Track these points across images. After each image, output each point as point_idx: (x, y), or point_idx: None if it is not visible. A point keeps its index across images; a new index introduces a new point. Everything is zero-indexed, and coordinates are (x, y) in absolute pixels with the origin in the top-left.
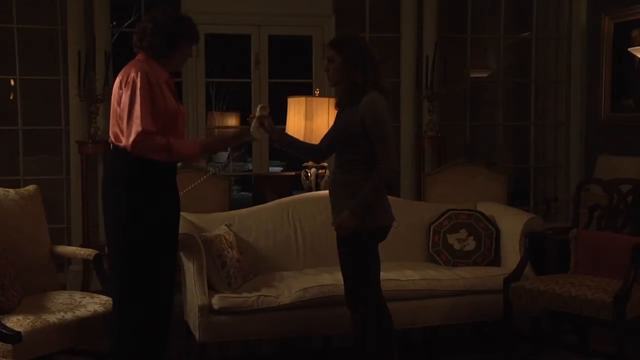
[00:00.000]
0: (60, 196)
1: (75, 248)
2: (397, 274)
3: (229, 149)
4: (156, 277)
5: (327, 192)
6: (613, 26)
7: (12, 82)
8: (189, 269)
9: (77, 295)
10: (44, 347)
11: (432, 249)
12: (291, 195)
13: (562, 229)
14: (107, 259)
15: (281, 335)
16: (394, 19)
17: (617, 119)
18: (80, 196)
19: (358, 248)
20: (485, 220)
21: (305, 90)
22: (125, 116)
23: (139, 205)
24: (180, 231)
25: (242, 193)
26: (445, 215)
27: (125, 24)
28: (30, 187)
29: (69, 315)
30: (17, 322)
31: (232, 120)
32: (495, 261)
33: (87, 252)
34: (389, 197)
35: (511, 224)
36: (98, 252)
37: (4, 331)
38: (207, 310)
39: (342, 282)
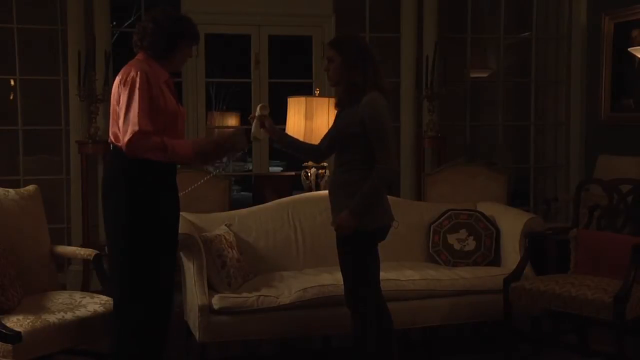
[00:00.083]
0: (60, 196)
1: (75, 248)
2: (397, 274)
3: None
4: (156, 277)
5: (327, 192)
6: (613, 26)
7: (12, 82)
8: (189, 269)
9: (77, 295)
10: (44, 347)
11: (432, 249)
12: (291, 195)
13: (562, 229)
14: (107, 259)
15: (281, 335)
16: (394, 19)
17: (617, 119)
18: (80, 196)
19: (358, 248)
20: (485, 220)
21: (305, 90)
22: (122, 115)
23: (139, 205)
24: (180, 231)
25: (242, 193)
26: (445, 215)
27: (125, 24)
28: (30, 187)
29: (69, 315)
30: (17, 322)
31: (232, 120)
32: (495, 261)
33: (87, 252)
34: (388, 197)
35: (511, 224)
36: (98, 252)
37: (4, 331)
38: (207, 310)
39: (342, 282)
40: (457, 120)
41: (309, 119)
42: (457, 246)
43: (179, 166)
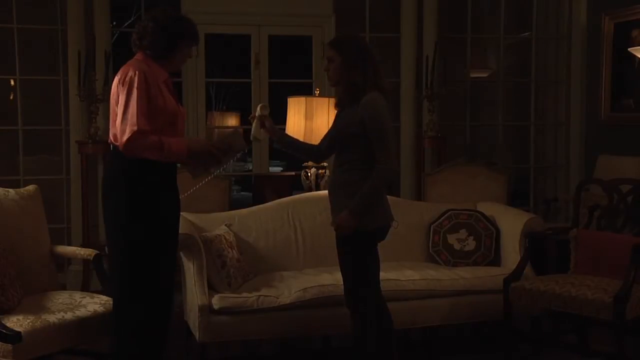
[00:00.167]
0: (60, 196)
1: (75, 248)
2: (397, 274)
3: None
4: (156, 277)
5: (327, 192)
6: (613, 26)
7: (12, 82)
8: (189, 269)
9: (77, 295)
10: (44, 347)
11: (432, 249)
12: (291, 195)
13: (562, 229)
14: (107, 259)
15: (281, 335)
16: (394, 19)
17: (617, 119)
18: (80, 196)
19: (357, 248)
20: (485, 220)
21: (305, 90)
22: (120, 114)
23: (139, 205)
24: (180, 231)
25: (242, 193)
26: (445, 215)
27: (125, 24)
28: (30, 187)
29: (69, 315)
30: (17, 322)
31: (232, 120)
32: (495, 261)
33: (87, 252)
34: (388, 197)
35: (511, 224)
36: (98, 252)
37: (4, 331)
38: (207, 310)
39: (342, 282)
40: (457, 120)
41: (309, 119)
42: (457, 246)
43: (179, 165)
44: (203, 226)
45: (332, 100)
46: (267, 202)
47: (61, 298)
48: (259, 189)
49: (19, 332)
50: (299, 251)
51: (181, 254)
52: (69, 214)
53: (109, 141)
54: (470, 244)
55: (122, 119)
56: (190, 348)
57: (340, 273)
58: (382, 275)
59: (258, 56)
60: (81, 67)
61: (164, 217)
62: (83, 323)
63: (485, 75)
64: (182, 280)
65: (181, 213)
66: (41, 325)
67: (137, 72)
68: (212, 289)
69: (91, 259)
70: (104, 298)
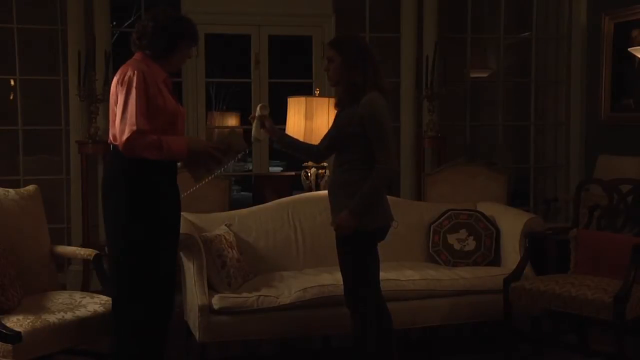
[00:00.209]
0: (60, 196)
1: (75, 248)
2: (397, 274)
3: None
4: (156, 277)
5: (327, 192)
6: (613, 26)
7: (12, 82)
8: (189, 269)
9: (77, 295)
10: (44, 347)
11: (432, 249)
12: (291, 195)
13: (562, 229)
14: (107, 259)
15: (281, 335)
16: (394, 19)
17: (617, 119)
18: (80, 196)
19: (357, 248)
20: (485, 220)
21: (305, 90)
22: (119, 114)
23: (139, 205)
24: (180, 231)
25: (242, 193)
26: (445, 215)
27: (125, 24)
28: (30, 187)
29: (69, 315)
30: (17, 322)
31: (232, 121)
32: (495, 261)
33: (87, 252)
34: (388, 197)
35: (511, 224)
36: (98, 252)
37: (4, 331)
38: (207, 310)
39: (342, 282)
40: (457, 120)
41: (309, 119)
42: (457, 246)
43: (179, 165)
44: (203, 226)
45: (332, 100)
46: (267, 202)
47: (61, 298)
48: (259, 189)
49: (19, 332)
50: (299, 251)
51: (181, 254)
52: (69, 214)
53: (108, 141)
54: (470, 244)
55: (121, 118)
56: (190, 348)
57: (340, 273)
58: (382, 275)
59: (258, 56)
60: (81, 67)
61: (164, 217)
62: (83, 323)
63: (485, 75)
64: (182, 280)
65: (181, 213)
66: (41, 325)
67: (135, 72)
68: (212, 289)
69: (91, 259)
70: (104, 298)
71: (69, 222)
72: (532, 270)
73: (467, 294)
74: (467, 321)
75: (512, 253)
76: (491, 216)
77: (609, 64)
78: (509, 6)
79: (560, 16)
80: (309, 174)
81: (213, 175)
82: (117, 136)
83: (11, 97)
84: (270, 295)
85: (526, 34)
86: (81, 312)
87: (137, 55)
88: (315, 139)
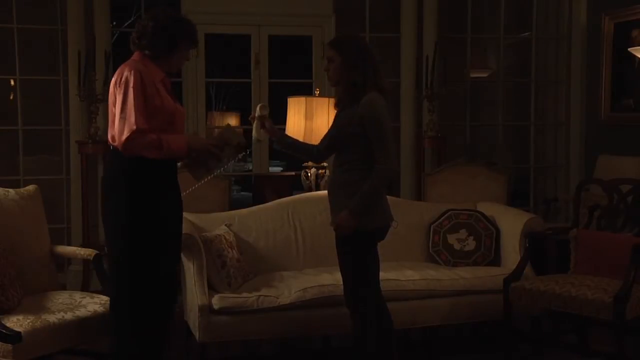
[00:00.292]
0: (60, 196)
1: (75, 248)
2: (397, 274)
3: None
4: (156, 278)
5: (327, 192)
6: (613, 26)
7: (12, 82)
8: (189, 269)
9: (77, 295)
10: (44, 347)
11: (432, 249)
12: (291, 195)
13: (562, 229)
14: (107, 259)
15: (281, 335)
16: (394, 19)
17: (617, 119)
18: (80, 196)
19: (357, 248)
20: (485, 220)
21: (305, 90)
22: (118, 114)
23: (139, 205)
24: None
25: (242, 193)
26: (445, 215)
27: (125, 24)
28: (30, 187)
29: (69, 315)
30: (17, 322)
31: (232, 120)
32: (495, 261)
33: (87, 252)
34: (388, 197)
35: (511, 224)
36: (98, 252)
37: (4, 331)
38: (207, 310)
39: (342, 282)
40: (457, 120)
41: (309, 119)
42: (457, 246)
43: (179, 164)
44: (203, 226)
45: (332, 100)
46: (267, 202)
47: (61, 298)
48: (259, 189)
49: (19, 332)
50: (299, 251)
51: (181, 254)
52: (69, 214)
53: (108, 142)
54: (470, 244)
55: (119, 118)
56: (190, 348)
57: (340, 273)
58: (382, 275)
59: (258, 56)
60: (81, 67)
61: (164, 217)
62: (83, 323)
63: (485, 75)
64: (182, 280)
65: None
66: (41, 325)
67: (132, 72)
68: (212, 289)
69: (91, 259)
70: (104, 298)
71: (69, 222)
72: (532, 270)
73: (467, 294)
74: (467, 321)
75: (512, 253)
76: (491, 216)
77: (609, 64)
78: (509, 6)
79: (560, 16)
80: (309, 174)
81: (214, 174)
82: (116, 136)
83: (11, 97)
84: (270, 295)
85: (526, 34)
86: (81, 312)
87: (135, 56)
88: (315, 139)
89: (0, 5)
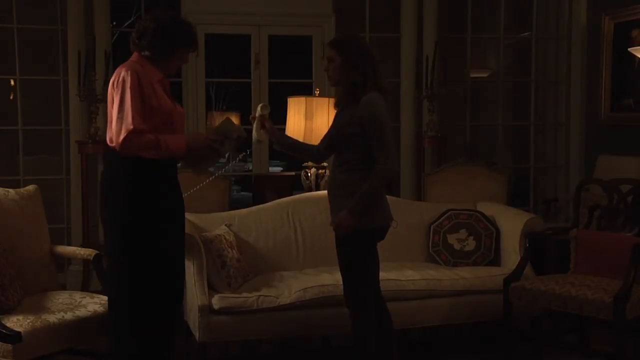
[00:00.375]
0: (60, 196)
1: (75, 248)
2: (397, 274)
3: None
4: (156, 278)
5: (326, 192)
6: (613, 26)
7: (12, 82)
8: (189, 269)
9: (77, 295)
10: (44, 347)
11: (432, 249)
12: (291, 195)
13: (562, 229)
14: (107, 259)
15: (281, 335)
16: (394, 19)
17: (617, 119)
18: (80, 196)
19: (357, 248)
20: (485, 220)
21: (305, 90)
22: (115, 114)
23: (138, 205)
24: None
25: (242, 193)
26: (445, 215)
27: (125, 24)
28: (30, 187)
29: (68, 315)
30: (17, 322)
31: (232, 120)
32: (495, 261)
33: (87, 252)
34: (388, 197)
35: (511, 224)
36: (98, 252)
37: (4, 331)
38: (207, 310)
39: (342, 282)
40: (457, 120)
41: (309, 119)
42: (457, 246)
43: (179, 165)
44: (203, 226)
45: (332, 100)
46: (267, 202)
47: (61, 298)
48: (259, 189)
49: (19, 332)
50: (299, 251)
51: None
52: (69, 214)
53: (107, 143)
54: (470, 244)
55: (117, 119)
56: (190, 348)
57: (340, 273)
58: (382, 275)
59: (258, 56)
60: (81, 67)
61: (164, 218)
62: (83, 323)
63: (485, 75)
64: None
65: None
66: (41, 325)
67: (129, 72)
68: (212, 289)
69: (91, 259)
70: (104, 298)
71: (69, 222)
72: (532, 270)
73: (467, 294)
74: (467, 321)
75: (512, 253)
76: (491, 216)
77: (609, 64)
78: (509, 6)
79: (560, 16)
80: (309, 174)
81: (216, 175)
82: (114, 137)
83: (11, 97)
84: (270, 295)
85: (526, 34)
86: (81, 312)
87: (133, 56)
88: (315, 139)
89: (0, 5)
